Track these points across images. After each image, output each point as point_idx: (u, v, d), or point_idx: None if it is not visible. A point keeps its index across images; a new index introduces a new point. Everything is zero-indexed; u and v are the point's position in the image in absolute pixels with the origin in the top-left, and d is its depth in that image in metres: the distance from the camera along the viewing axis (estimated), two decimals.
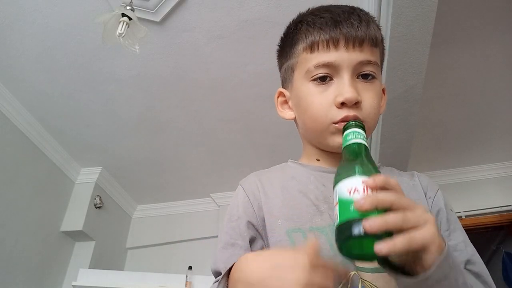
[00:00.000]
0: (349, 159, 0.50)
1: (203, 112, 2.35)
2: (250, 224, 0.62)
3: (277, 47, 0.75)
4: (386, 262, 0.46)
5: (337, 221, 0.44)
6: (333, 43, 0.62)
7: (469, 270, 0.57)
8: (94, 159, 2.74)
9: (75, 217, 2.64)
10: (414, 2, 1.39)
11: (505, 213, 2.74)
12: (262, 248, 0.61)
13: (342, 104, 0.60)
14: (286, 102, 0.73)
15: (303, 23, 0.66)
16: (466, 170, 2.90)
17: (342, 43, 0.61)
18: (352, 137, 0.53)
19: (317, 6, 0.70)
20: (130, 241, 3.14)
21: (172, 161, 2.76)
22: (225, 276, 0.53)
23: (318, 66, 0.62)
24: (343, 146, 0.54)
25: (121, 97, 2.23)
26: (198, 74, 2.10)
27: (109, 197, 2.96)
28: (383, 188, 0.44)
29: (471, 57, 2.05)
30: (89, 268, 2.58)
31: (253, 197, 0.65)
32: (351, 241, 0.43)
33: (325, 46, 0.62)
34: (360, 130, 0.53)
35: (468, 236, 0.63)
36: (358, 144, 0.52)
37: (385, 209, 0.43)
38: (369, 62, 0.62)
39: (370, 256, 0.44)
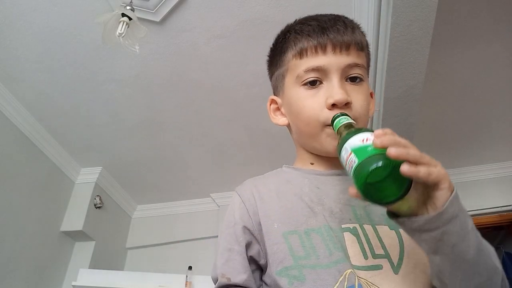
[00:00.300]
0: (348, 131, 0.52)
1: (203, 112, 2.35)
2: (246, 229, 0.64)
3: (267, 58, 0.78)
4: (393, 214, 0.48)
5: (355, 163, 0.46)
6: (321, 48, 0.65)
7: None
8: (94, 159, 2.74)
9: (75, 217, 2.64)
10: (414, 2, 1.39)
11: (505, 213, 2.75)
12: (258, 252, 0.62)
13: (333, 106, 0.62)
14: (278, 109, 0.76)
15: (291, 32, 0.70)
16: (466, 170, 2.90)
17: (329, 48, 0.65)
18: (344, 120, 0.57)
19: (305, 16, 0.73)
20: (130, 241, 3.14)
21: (172, 161, 2.76)
22: None
23: (308, 71, 0.65)
24: (336, 128, 0.57)
25: (121, 97, 2.23)
26: (198, 74, 2.10)
27: (109, 197, 2.96)
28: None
29: (471, 57, 2.05)
30: (89, 268, 2.57)
31: (249, 203, 0.66)
32: (374, 173, 0.44)
33: (313, 51, 0.65)
34: (348, 117, 0.58)
35: None
36: (352, 122, 0.56)
37: None
38: (356, 65, 0.65)
39: (391, 192, 0.45)
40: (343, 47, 0.65)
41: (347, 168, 0.48)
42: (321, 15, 0.70)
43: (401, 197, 0.45)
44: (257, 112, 2.28)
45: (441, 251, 0.47)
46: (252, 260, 0.63)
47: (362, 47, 0.68)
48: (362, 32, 0.70)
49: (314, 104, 0.64)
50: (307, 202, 0.63)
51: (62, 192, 2.68)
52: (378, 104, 1.86)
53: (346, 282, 0.53)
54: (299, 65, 0.67)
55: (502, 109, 2.43)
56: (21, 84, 2.14)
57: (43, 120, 2.39)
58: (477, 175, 2.91)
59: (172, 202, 3.19)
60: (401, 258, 0.57)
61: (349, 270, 0.55)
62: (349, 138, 0.49)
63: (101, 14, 1.60)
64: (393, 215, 0.49)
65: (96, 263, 2.67)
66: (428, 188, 0.46)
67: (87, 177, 2.81)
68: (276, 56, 0.74)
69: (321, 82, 0.65)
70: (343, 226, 0.60)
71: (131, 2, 1.61)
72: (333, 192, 0.65)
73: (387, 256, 0.57)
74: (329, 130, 0.63)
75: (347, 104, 0.62)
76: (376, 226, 0.60)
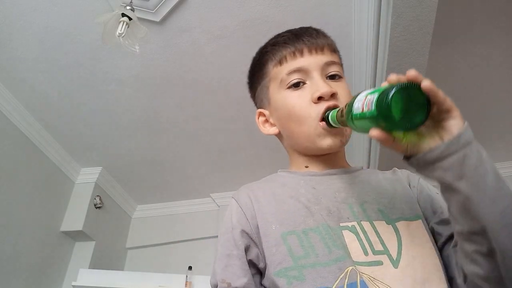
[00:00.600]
0: (349, 101, 0.54)
1: (203, 112, 2.35)
2: (244, 232, 0.64)
3: (246, 80, 0.83)
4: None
5: (376, 96, 0.46)
6: (298, 52, 0.70)
7: None
8: (94, 159, 2.74)
9: (75, 217, 2.64)
10: (414, 3, 1.39)
11: None
12: (257, 256, 0.62)
13: (320, 99, 0.66)
14: (267, 120, 0.78)
15: (268, 47, 0.76)
16: None
17: (306, 51, 0.70)
18: (337, 109, 0.60)
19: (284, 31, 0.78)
20: (130, 241, 3.14)
21: (172, 161, 2.76)
22: None
23: (290, 73, 0.70)
24: (334, 117, 0.60)
25: (121, 97, 2.23)
26: (198, 74, 2.10)
27: (109, 197, 2.96)
28: None
29: (471, 57, 2.05)
30: (89, 268, 2.57)
31: (246, 207, 0.67)
32: (397, 95, 0.45)
33: (292, 56, 0.71)
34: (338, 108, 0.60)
35: None
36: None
37: None
38: (333, 62, 0.71)
39: (413, 115, 0.46)
40: (318, 48, 0.70)
41: (366, 110, 0.48)
42: (292, 29, 0.76)
43: (424, 119, 0.46)
44: None
45: (465, 174, 0.47)
46: (251, 264, 0.62)
47: (334, 49, 0.74)
48: (331, 38, 0.75)
49: (302, 102, 0.68)
50: (304, 202, 0.64)
51: (62, 192, 2.68)
52: None
53: (346, 280, 0.54)
54: (281, 71, 0.71)
55: (502, 109, 2.43)
56: (21, 84, 2.14)
57: (43, 120, 2.39)
58: None
59: (172, 202, 3.19)
60: (399, 252, 0.58)
61: (351, 267, 0.55)
62: (355, 98, 0.51)
63: (101, 14, 1.60)
64: (408, 158, 0.50)
65: (96, 263, 2.67)
66: (440, 119, 0.48)
67: (87, 177, 2.81)
68: (256, 73, 0.79)
69: (304, 83, 0.69)
70: (341, 224, 0.61)
71: (131, 2, 1.61)
72: (329, 191, 0.66)
73: (386, 251, 0.58)
74: (322, 130, 0.65)
75: (333, 96, 0.66)
76: (374, 222, 0.61)
